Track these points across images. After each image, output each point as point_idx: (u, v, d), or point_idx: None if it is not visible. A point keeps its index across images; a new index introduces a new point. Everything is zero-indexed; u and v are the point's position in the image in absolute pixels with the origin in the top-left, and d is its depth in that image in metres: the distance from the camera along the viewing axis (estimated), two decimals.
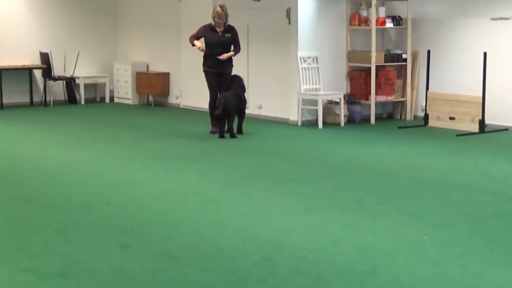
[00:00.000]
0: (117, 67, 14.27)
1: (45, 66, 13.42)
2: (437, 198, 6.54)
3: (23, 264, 4.75)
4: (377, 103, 11.40)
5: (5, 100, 13.19)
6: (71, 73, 13.79)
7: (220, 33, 9.94)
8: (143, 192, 6.80)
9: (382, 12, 11.40)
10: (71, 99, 13.93)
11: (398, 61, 11.52)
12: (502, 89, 10.49)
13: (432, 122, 10.77)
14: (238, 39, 10.06)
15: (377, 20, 11.21)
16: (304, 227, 5.60)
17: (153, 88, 13.56)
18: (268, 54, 11.65)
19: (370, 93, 11.26)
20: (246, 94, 10.20)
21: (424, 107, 11.14)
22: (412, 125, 11.01)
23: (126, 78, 14.01)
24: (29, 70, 13.52)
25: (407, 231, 5.48)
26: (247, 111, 10.40)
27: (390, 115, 11.97)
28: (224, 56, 9.88)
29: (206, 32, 10.00)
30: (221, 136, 9.73)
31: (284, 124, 11.15)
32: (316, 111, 10.91)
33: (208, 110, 10.24)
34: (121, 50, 14.66)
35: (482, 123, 10.16)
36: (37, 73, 13.68)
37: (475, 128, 10.22)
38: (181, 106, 13.39)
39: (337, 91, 11.27)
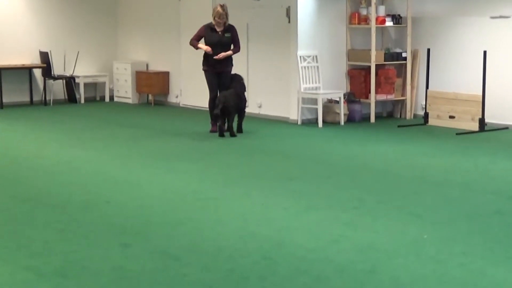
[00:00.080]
0: (117, 66, 14.27)
1: (45, 65, 13.42)
2: (437, 197, 6.54)
3: (23, 263, 4.75)
4: (377, 102, 11.40)
5: (5, 100, 13.19)
6: (71, 72, 13.79)
7: (220, 33, 9.93)
8: (143, 191, 6.80)
9: (382, 10, 11.40)
10: (71, 98, 13.93)
11: (398, 60, 11.52)
12: (502, 88, 10.48)
13: (432, 121, 10.77)
14: (237, 38, 10.05)
15: (377, 19, 11.21)
16: (304, 226, 5.60)
17: (153, 87, 13.56)
18: (268, 53, 11.65)
19: (370, 92, 11.26)
20: (246, 93, 10.20)
21: (424, 106, 11.14)
22: (412, 123, 11.01)
23: (126, 77, 14.01)
24: (29, 70, 13.52)
25: (407, 229, 5.48)
26: (247, 110, 10.40)
27: (390, 114, 11.97)
28: (221, 55, 9.86)
29: (206, 32, 10.00)
30: (221, 135, 9.73)
31: (284, 123, 11.15)
32: (316, 110, 10.91)
33: (208, 109, 10.24)
34: (121, 49, 14.66)
35: (482, 121, 10.16)
36: (37, 73, 13.68)
37: (475, 126, 10.22)
38: (181, 105, 13.39)
39: (337, 90, 11.27)
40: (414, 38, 11.52)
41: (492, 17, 10.60)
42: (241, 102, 9.94)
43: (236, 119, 9.93)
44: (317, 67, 11.13)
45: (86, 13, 14.28)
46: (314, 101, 10.95)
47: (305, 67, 11.02)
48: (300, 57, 10.97)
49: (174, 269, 4.64)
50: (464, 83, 10.79)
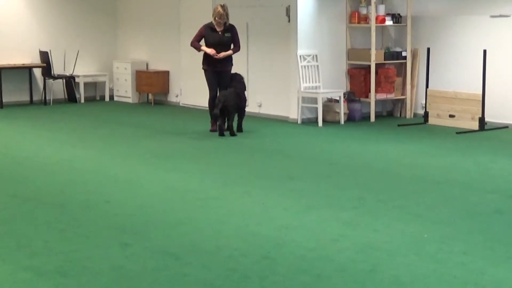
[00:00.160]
0: (117, 65, 14.26)
1: (44, 64, 13.41)
2: (437, 196, 6.54)
3: (24, 263, 4.75)
4: (377, 101, 11.40)
5: (5, 99, 13.19)
6: (71, 72, 13.79)
7: (220, 33, 9.93)
8: (143, 190, 6.80)
9: (382, 9, 11.40)
10: (71, 97, 13.93)
11: (398, 59, 11.51)
12: (502, 87, 10.48)
13: (432, 120, 10.77)
14: (238, 38, 10.05)
15: (376, 18, 11.21)
16: (304, 225, 5.60)
17: (153, 86, 13.55)
18: (268, 52, 11.64)
19: (370, 91, 11.26)
20: (246, 92, 10.19)
21: (424, 105, 11.14)
22: (412, 123, 11.01)
23: (126, 77, 14.00)
24: (28, 69, 13.51)
25: (407, 229, 5.48)
26: (247, 109, 10.40)
27: (390, 113, 11.97)
28: (221, 55, 9.87)
29: (206, 31, 9.99)
30: (221, 134, 9.73)
31: (284, 122, 11.15)
32: (316, 109, 10.91)
33: (207, 108, 10.24)
34: (120, 49, 14.66)
35: (482, 120, 10.16)
36: (37, 72, 13.67)
37: (475, 126, 10.22)
38: (181, 104, 13.38)
39: (337, 89, 11.27)
40: (414, 37, 11.52)
41: (492, 16, 10.60)
42: (241, 101, 9.94)
43: (236, 118, 9.93)
44: (317, 66, 11.13)
45: (86, 13, 14.28)
46: (314, 100, 10.94)
47: (305, 66, 11.02)
48: (300, 56, 10.97)
49: (175, 268, 4.64)
50: (464, 82, 10.79)
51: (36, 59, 13.63)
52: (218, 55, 9.85)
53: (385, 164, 8.05)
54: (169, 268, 4.64)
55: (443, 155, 8.51)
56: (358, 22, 11.40)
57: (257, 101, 11.79)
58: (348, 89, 11.54)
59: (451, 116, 10.57)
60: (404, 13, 11.50)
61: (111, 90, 14.37)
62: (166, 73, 13.63)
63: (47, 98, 13.53)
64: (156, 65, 13.87)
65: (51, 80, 13.55)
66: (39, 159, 8.34)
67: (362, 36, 11.51)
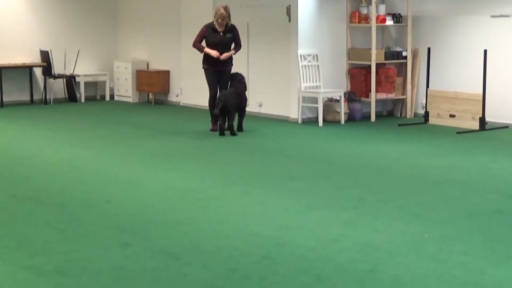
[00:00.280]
0: (117, 65, 14.27)
1: (45, 64, 13.42)
2: (437, 196, 6.54)
3: (24, 263, 4.75)
4: (377, 101, 11.40)
5: (6, 98, 13.19)
6: (71, 71, 13.79)
7: (221, 34, 9.92)
8: (144, 190, 6.80)
9: (382, 9, 11.40)
10: (71, 97, 13.93)
11: (398, 59, 11.51)
12: (503, 87, 10.48)
13: (432, 120, 10.77)
14: (239, 37, 10.06)
15: (377, 18, 11.21)
16: (304, 225, 5.60)
17: (153, 86, 13.56)
18: (268, 52, 11.64)
19: (370, 91, 11.26)
20: (246, 92, 10.19)
21: (424, 105, 11.14)
22: (412, 122, 11.01)
23: (126, 76, 14.01)
24: (29, 68, 13.52)
25: (408, 229, 5.48)
26: (248, 108, 10.40)
27: (390, 113, 11.97)
28: (224, 56, 9.88)
29: (207, 32, 9.98)
30: (221, 134, 9.73)
31: (284, 122, 11.15)
32: (316, 108, 10.91)
33: (208, 108, 10.24)
34: (121, 48, 14.66)
35: (482, 120, 10.15)
36: (37, 71, 13.68)
37: (475, 125, 10.21)
38: (181, 104, 13.38)
39: (337, 88, 11.27)
40: (415, 37, 11.51)
41: (493, 16, 10.60)
42: (242, 101, 9.94)
43: (236, 118, 9.93)
44: (318, 66, 11.13)
45: (87, 12, 14.28)
46: (315, 100, 10.94)
47: (305, 66, 11.02)
48: (301, 56, 10.97)
49: (175, 268, 4.64)
50: (464, 82, 10.79)
51: (36, 59, 13.63)
52: (223, 56, 9.86)
53: (385, 164, 8.05)
54: (169, 268, 4.64)
55: (443, 155, 8.51)
56: (359, 22, 11.40)
57: (258, 101, 11.79)
58: (349, 88, 11.54)
59: (452, 116, 10.57)
60: (405, 13, 11.50)
61: (112, 89, 14.37)
62: (167, 73, 13.63)
63: (47, 97, 13.53)
64: (157, 65, 13.87)
65: (51, 80, 13.55)
66: (39, 159, 8.34)
67: (363, 36, 11.51)
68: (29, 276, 4.50)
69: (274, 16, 11.45)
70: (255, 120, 11.10)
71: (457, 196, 6.56)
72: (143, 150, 8.88)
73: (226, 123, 9.78)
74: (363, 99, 11.36)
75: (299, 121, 11.03)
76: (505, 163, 8.02)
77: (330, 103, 11.14)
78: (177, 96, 13.49)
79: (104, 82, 14.32)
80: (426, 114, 10.85)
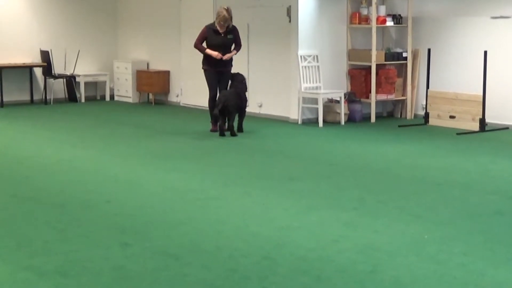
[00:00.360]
0: (118, 65, 14.27)
1: (45, 64, 13.42)
2: (437, 197, 6.54)
3: (24, 263, 4.75)
4: (377, 102, 11.40)
5: (6, 98, 13.19)
6: (72, 71, 13.79)
7: (222, 35, 9.92)
8: (143, 190, 6.80)
9: (383, 10, 11.40)
10: (72, 97, 13.93)
11: (398, 60, 11.51)
12: (503, 88, 10.48)
13: (432, 121, 10.77)
14: (239, 37, 10.07)
15: (377, 19, 11.21)
16: (304, 225, 5.60)
17: (154, 86, 13.56)
18: (269, 52, 11.64)
19: (370, 92, 11.26)
20: (246, 93, 10.19)
21: (424, 106, 11.14)
22: (412, 123, 11.01)
23: (127, 76, 14.01)
24: (29, 68, 13.52)
25: (408, 229, 5.48)
26: (248, 109, 10.40)
27: (391, 114, 11.97)
28: (227, 56, 9.89)
29: (208, 33, 9.97)
30: (222, 134, 9.73)
31: (285, 123, 11.15)
32: (317, 109, 10.91)
33: (208, 108, 10.24)
34: (121, 48, 14.66)
35: (482, 121, 10.16)
36: (38, 71, 13.68)
37: (475, 126, 10.22)
38: (181, 104, 13.38)
39: (338, 89, 11.27)
40: (415, 38, 11.52)
41: (493, 17, 10.60)
42: (242, 101, 9.94)
43: (236, 118, 9.93)
44: (318, 66, 11.13)
45: (87, 12, 14.28)
46: (315, 101, 10.94)
47: (305, 67, 11.02)
48: (301, 56, 10.97)
49: (175, 268, 4.64)
50: (464, 83, 10.79)
51: (36, 59, 13.63)
52: (224, 56, 9.87)
53: (385, 165, 8.04)
54: (169, 268, 4.64)
55: (443, 156, 8.51)
56: (359, 23, 11.40)
57: (258, 102, 11.79)
58: (349, 89, 11.54)
59: (452, 117, 10.57)
60: (405, 14, 11.50)
61: (112, 89, 14.37)
62: (167, 73, 13.63)
63: (47, 97, 13.53)
64: (157, 65, 13.87)
65: (51, 80, 13.55)
66: (39, 159, 8.34)
67: (363, 37, 11.51)
68: (29, 276, 4.50)
69: (275, 17, 11.45)
70: (255, 120, 11.10)
71: (457, 197, 6.56)
72: (143, 150, 8.88)
73: (226, 124, 9.78)
74: (363, 100, 11.36)
75: (299, 122, 11.03)
76: (505, 164, 8.02)
77: (330, 104, 11.14)
78: (177, 96, 13.49)
79: (104, 82, 14.32)
80: (426, 115, 10.85)
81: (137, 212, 6.01)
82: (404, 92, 11.66)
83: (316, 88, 11.12)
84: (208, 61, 10.02)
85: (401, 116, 11.77)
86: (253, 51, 11.82)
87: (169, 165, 8.02)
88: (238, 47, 10.06)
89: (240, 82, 9.97)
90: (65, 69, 13.84)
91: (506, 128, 10.39)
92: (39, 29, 13.76)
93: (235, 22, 10.19)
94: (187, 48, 12.52)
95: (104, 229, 5.51)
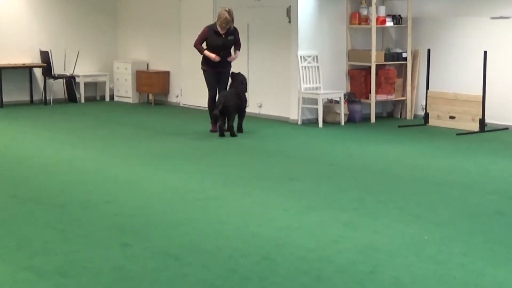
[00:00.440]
0: (117, 65, 14.27)
1: (45, 64, 13.42)
2: (437, 197, 6.54)
3: (24, 263, 4.75)
4: (377, 102, 11.40)
5: (5, 99, 13.19)
6: (71, 72, 13.79)
7: (223, 36, 9.92)
8: (143, 191, 6.80)
9: (382, 11, 11.40)
10: (71, 97, 13.93)
11: (398, 60, 11.51)
12: (503, 88, 10.48)
13: (432, 121, 10.77)
14: (239, 39, 10.08)
15: (377, 19, 11.21)
16: (304, 226, 5.60)
17: (153, 86, 13.55)
18: (268, 53, 11.64)
19: (370, 92, 11.26)
20: (246, 93, 10.19)
21: (424, 106, 11.14)
22: (412, 124, 11.01)
23: (126, 77, 14.01)
24: (29, 69, 13.52)
25: (408, 230, 5.48)
26: (248, 109, 10.40)
27: (390, 114, 11.97)
28: (232, 59, 9.94)
29: (209, 34, 9.97)
30: (221, 135, 9.73)
31: (284, 123, 11.15)
32: (316, 110, 10.91)
33: (207, 109, 10.24)
34: (121, 49, 14.66)
35: (482, 122, 10.16)
36: (37, 72, 13.68)
37: (475, 127, 10.22)
38: (181, 104, 13.38)
39: (337, 90, 11.27)
40: (415, 39, 11.52)
41: (493, 18, 10.60)
42: (242, 102, 9.94)
43: (236, 119, 9.93)
44: (318, 67, 11.13)
45: (87, 13, 14.28)
46: (315, 101, 10.95)
47: (305, 67, 11.02)
48: (301, 57, 10.97)
49: (175, 269, 4.64)
50: (464, 84, 10.79)
51: (36, 59, 13.63)
52: (230, 58, 9.92)
53: (385, 165, 8.05)
54: (169, 268, 4.64)
55: (443, 157, 8.51)
56: (359, 23, 11.40)
57: (258, 102, 11.79)
58: (349, 90, 11.54)
59: (451, 117, 10.57)
60: (405, 14, 11.50)
61: (112, 90, 14.37)
62: (167, 73, 13.63)
63: (47, 98, 13.53)
64: (157, 65, 13.87)
65: (51, 80, 13.55)
66: (39, 159, 8.34)
67: (363, 37, 11.51)
68: (29, 277, 4.50)
69: (274, 17, 11.45)
70: (255, 121, 11.10)
71: (457, 197, 6.56)
72: (143, 151, 8.88)
73: (226, 124, 9.78)
74: (363, 100, 11.36)
75: (299, 122, 11.03)
76: (505, 165, 8.02)
77: (330, 104, 11.14)
78: (177, 97, 13.49)
79: (104, 82, 14.32)
80: (426, 116, 10.85)
81: (137, 212, 6.01)
82: (404, 93, 11.66)
83: (316, 88, 11.12)
84: (207, 62, 10.02)
85: (401, 116, 11.77)
86: (253, 51, 11.82)
87: (169, 165, 8.02)
88: (238, 47, 10.08)
89: (240, 82, 9.97)
90: (65, 70, 13.84)
91: (505, 128, 10.39)
92: (39, 29, 13.76)
93: (235, 22, 10.19)
94: (187, 49, 12.53)
95: (104, 229, 5.52)
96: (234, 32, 9.99)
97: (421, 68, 11.47)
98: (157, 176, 7.46)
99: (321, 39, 11.26)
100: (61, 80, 13.77)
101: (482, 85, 10.13)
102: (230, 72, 10.09)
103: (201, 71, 10.19)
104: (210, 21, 11.21)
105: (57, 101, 13.74)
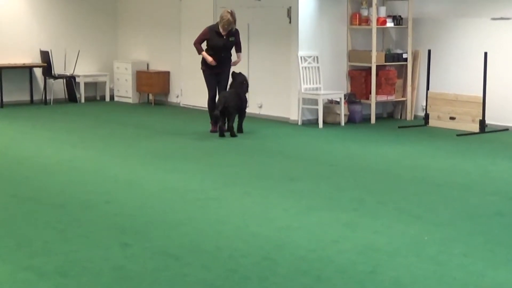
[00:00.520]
0: (117, 65, 14.26)
1: (45, 64, 13.41)
2: (437, 198, 6.54)
3: (24, 263, 4.75)
4: (377, 103, 11.40)
5: (6, 99, 13.18)
6: (72, 72, 13.78)
7: (224, 37, 9.92)
8: (143, 191, 6.79)
9: (383, 11, 11.39)
10: (71, 97, 13.93)
11: (398, 61, 11.51)
12: (503, 89, 10.48)
13: (432, 122, 10.77)
14: (240, 41, 10.09)
15: (377, 20, 11.20)
16: (304, 226, 5.60)
17: (153, 86, 13.55)
18: (269, 53, 11.64)
19: (370, 93, 11.26)
20: (246, 93, 10.19)
21: (424, 107, 11.14)
22: (412, 125, 11.01)
23: (126, 77, 14.00)
24: (29, 69, 13.51)
25: (408, 230, 5.48)
26: (248, 110, 10.39)
27: (391, 115, 11.97)
28: (236, 62, 10.02)
29: (210, 34, 9.96)
30: (221, 135, 9.73)
31: (285, 124, 11.15)
32: (317, 110, 10.91)
33: (207, 109, 10.24)
34: (121, 49, 14.66)
35: (482, 123, 10.16)
36: (38, 72, 13.67)
37: (475, 128, 10.22)
38: (181, 105, 13.38)
39: (338, 90, 11.27)
40: (415, 39, 11.52)
41: (493, 19, 10.60)
42: (242, 102, 9.94)
43: (236, 119, 9.93)
44: (318, 67, 11.13)
45: (87, 13, 14.28)
46: (315, 102, 10.94)
47: (305, 68, 11.02)
48: (301, 57, 10.97)
49: (175, 269, 4.64)
50: (464, 85, 10.79)
51: (36, 59, 13.63)
52: (234, 62, 9.98)
53: (385, 165, 8.04)
54: (169, 268, 4.64)
55: (443, 157, 8.51)
56: (359, 24, 11.40)
57: (258, 102, 11.79)
58: (349, 90, 11.54)
59: (452, 118, 10.57)
60: (405, 15, 11.50)
61: (112, 90, 14.36)
62: (167, 74, 13.63)
63: (47, 98, 13.53)
64: (157, 66, 13.87)
65: (51, 80, 13.55)
66: (39, 159, 8.34)
67: (363, 38, 11.51)
68: (29, 276, 4.50)
69: (275, 17, 11.45)
70: (255, 121, 11.09)
71: (457, 198, 6.56)
72: (143, 151, 8.88)
73: (226, 125, 9.78)
74: (363, 101, 11.36)
75: (299, 123, 11.03)
76: (505, 166, 8.02)
77: (330, 105, 11.14)
78: (177, 97, 13.49)
79: (104, 82, 14.31)
80: (426, 116, 10.85)
81: (137, 212, 6.01)
82: (404, 93, 11.66)
83: (316, 89, 11.12)
84: (206, 62, 10.01)
85: (401, 117, 11.77)
86: (253, 51, 11.82)
87: (169, 165, 8.02)
88: (240, 49, 10.09)
89: (240, 83, 9.96)
90: (65, 70, 13.83)
91: (506, 129, 10.39)
92: (39, 29, 13.75)
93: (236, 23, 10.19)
94: (187, 49, 12.53)
95: (104, 229, 5.52)
96: (235, 33, 10.00)
97: (421, 69, 11.47)
98: (157, 176, 7.46)
99: (322, 39, 11.26)
100: (61, 80, 13.77)
101: (483, 86, 10.13)
102: (231, 72, 10.09)
103: (201, 71, 10.19)
104: (210, 21, 11.22)
105: (57, 101, 13.73)
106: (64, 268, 4.62)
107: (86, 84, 14.02)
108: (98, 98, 14.41)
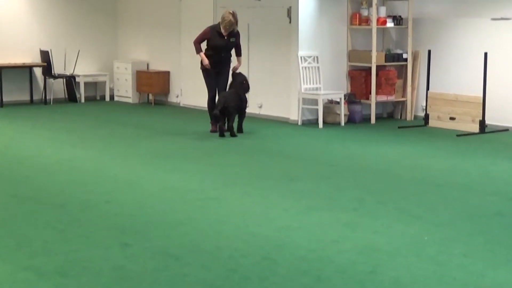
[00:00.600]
0: (117, 65, 14.26)
1: (45, 64, 13.41)
2: (437, 198, 6.54)
3: (24, 263, 4.74)
4: (377, 103, 11.40)
5: (5, 98, 13.18)
6: (71, 71, 13.78)
7: (225, 38, 9.92)
8: (143, 190, 6.79)
9: (383, 11, 11.40)
10: (71, 97, 13.93)
11: (398, 61, 11.51)
12: (503, 90, 10.48)
13: (432, 122, 10.77)
14: (240, 43, 10.09)
15: (377, 20, 11.20)
16: (304, 226, 5.60)
17: (153, 86, 13.55)
18: (269, 53, 11.64)
19: (370, 93, 11.26)
20: (247, 93, 10.19)
21: (424, 107, 11.14)
22: (412, 125, 11.01)
23: (126, 77, 14.00)
24: (29, 68, 13.51)
25: (408, 230, 5.48)
26: (248, 110, 10.39)
27: (391, 115, 11.96)
28: (237, 67, 10.02)
29: (211, 34, 9.96)
30: (221, 135, 9.73)
31: (285, 124, 11.15)
32: (317, 110, 10.91)
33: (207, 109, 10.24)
34: (121, 49, 14.66)
35: (482, 123, 10.16)
36: (37, 71, 13.67)
37: (475, 128, 10.21)
38: (181, 105, 13.38)
39: (338, 90, 11.27)
40: (415, 39, 11.52)
41: (493, 19, 10.60)
42: (242, 102, 9.94)
43: (236, 119, 9.93)
44: (318, 67, 11.13)
45: (87, 12, 14.28)
46: (315, 102, 10.94)
47: (305, 68, 11.02)
48: (301, 57, 10.97)
49: (175, 269, 4.64)
50: (464, 85, 10.79)
51: (36, 59, 13.63)
52: (235, 68, 9.98)
53: (385, 165, 8.05)
54: (169, 268, 4.64)
55: (443, 157, 8.51)
56: (359, 24, 11.40)
57: (258, 102, 11.79)
58: (349, 90, 11.54)
59: (452, 118, 10.57)
60: (405, 15, 11.50)
61: (112, 90, 14.36)
62: (167, 73, 13.63)
63: (47, 97, 13.53)
64: (157, 65, 13.87)
65: (51, 80, 13.55)
66: (39, 159, 8.34)
67: (363, 38, 11.51)
68: (29, 276, 4.50)
69: (275, 17, 11.45)
70: (255, 121, 11.09)
71: (457, 198, 6.56)
72: (143, 151, 8.88)
73: (226, 124, 9.78)
74: (363, 101, 11.36)
75: (299, 123, 11.03)
76: (505, 166, 8.02)
77: (330, 105, 11.14)
78: (177, 97, 13.49)
79: (104, 82, 14.31)
80: (426, 117, 10.85)
81: (137, 212, 6.01)
82: (404, 94, 11.66)
83: (316, 89, 11.12)
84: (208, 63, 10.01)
85: (401, 117, 11.77)
86: (253, 51, 11.82)
87: (169, 165, 8.02)
88: (240, 53, 10.10)
89: (240, 83, 9.97)
90: (65, 69, 13.83)
91: (506, 129, 10.39)
92: (39, 29, 13.75)
93: None
94: (187, 49, 12.52)
95: (104, 229, 5.52)
96: (236, 35, 10.00)
97: (421, 69, 11.47)
98: (157, 176, 7.46)
99: (322, 39, 11.26)
100: (61, 79, 13.77)
101: (483, 86, 10.13)
102: (230, 72, 10.09)
103: (201, 71, 10.19)
104: (210, 21, 11.23)
105: (57, 101, 13.73)
106: (64, 268, 4.62)
107: (86, 84, 14.02)
108: (98, 98, 14.41)
